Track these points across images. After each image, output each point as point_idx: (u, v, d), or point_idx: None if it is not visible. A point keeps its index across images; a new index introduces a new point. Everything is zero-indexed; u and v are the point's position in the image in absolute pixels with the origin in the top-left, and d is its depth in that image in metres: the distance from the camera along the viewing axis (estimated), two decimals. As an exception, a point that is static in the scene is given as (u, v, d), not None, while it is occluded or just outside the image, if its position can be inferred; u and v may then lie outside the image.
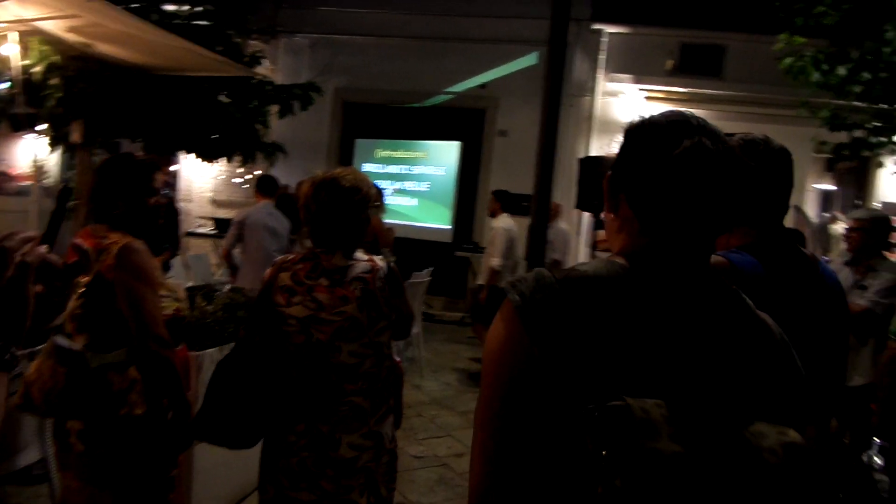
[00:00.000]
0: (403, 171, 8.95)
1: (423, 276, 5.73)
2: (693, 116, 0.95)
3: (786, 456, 0.79)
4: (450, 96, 8.94)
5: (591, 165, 7.73)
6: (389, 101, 9.05)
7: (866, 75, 4.31)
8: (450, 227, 8.58)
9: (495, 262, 5.60)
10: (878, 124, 4.73)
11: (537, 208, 3.66)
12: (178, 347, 2.04)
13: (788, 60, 4.95)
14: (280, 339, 1.96)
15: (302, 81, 6.91)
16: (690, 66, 8.76)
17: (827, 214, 9.57)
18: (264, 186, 5.14)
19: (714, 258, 1.32)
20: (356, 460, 1.93)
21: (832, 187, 10.14)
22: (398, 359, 2.14)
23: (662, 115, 0.96)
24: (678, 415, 0.77)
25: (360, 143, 9.10)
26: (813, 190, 9.23)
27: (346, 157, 9.11)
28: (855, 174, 9.74)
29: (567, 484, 0.84)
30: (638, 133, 0.94)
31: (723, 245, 1.45)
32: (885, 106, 4.73)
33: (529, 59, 8.79)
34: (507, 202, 6.00)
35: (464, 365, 6.12)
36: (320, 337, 1.91)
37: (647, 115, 0.98)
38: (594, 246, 8.23)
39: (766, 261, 1.36)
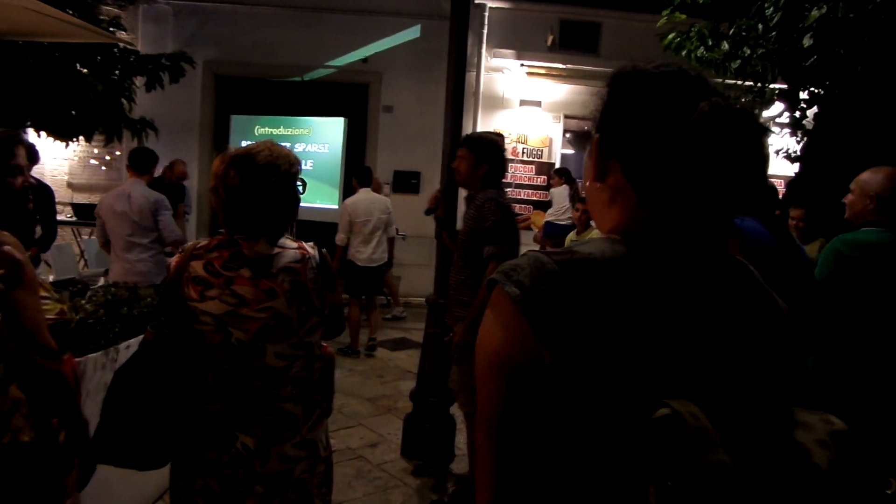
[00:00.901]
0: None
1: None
2: (687, 66, 0.83)
3: (837, 447, 0.73)
4: (331, 70, 8.57)
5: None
6: (266, 75, 8.53)
7: (747, 51, 4.51)
8: (337, 207, 8.27)
9: (338, 237, 5.99)
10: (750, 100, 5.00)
11: (445, 185, 3.51)
12: (66, 356, 1.71)
13: (671, 36, 5.10)
14: (192, 339, 1.69)
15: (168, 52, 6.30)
16: (569, 42, 8.94)
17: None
18: (137, 162, 4.39)
19: None
20: (289, 473, 1.71)
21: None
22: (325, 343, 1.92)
23: (653, 66, 0.83)
24: (721, 417, 0.67)
25: (237, 120, 8.51)
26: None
27: (221, 135, 8.50)
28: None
29: (593, 496, 0.72)
30: (634, 88, 0.81)
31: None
32: (758, 84, 4.99)
33: (412, 33, 8.60)
34: (363, 178, 6.21)
35: (364, 348, 5.92)
36: (241, 336, 1.66)
37: (632, 65, 0.85)
38: (484, 221, 8.25)
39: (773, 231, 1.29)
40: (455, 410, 3.86)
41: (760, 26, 4.58)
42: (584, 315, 0.72)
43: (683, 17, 5.11)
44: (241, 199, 1.70)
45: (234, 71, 8.64)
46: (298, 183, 1.82)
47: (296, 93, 8.66)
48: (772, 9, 4.09)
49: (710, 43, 4.70)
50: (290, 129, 8.52)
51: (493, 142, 3.18)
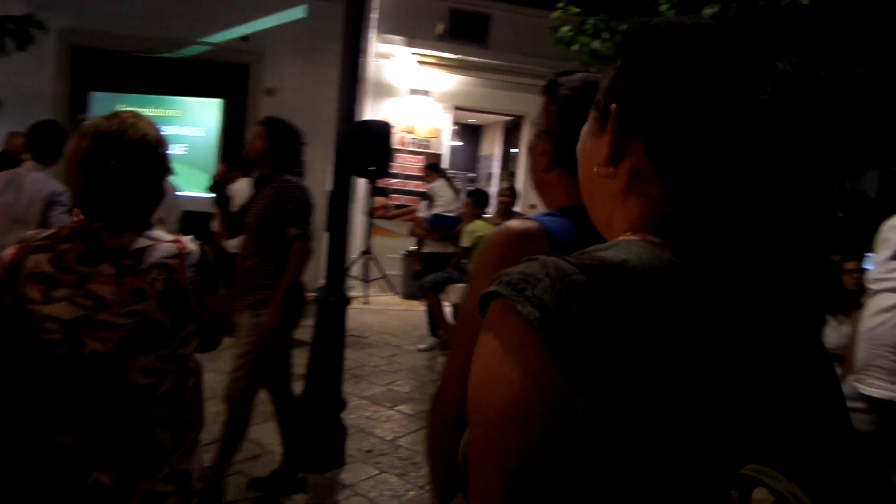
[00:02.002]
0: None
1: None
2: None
3: None
4: (207, 47, 7.93)
5: (366, 129, 7.45)
6: (133, 49, 7.75)
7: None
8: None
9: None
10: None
11: (339, 175, 3.25)
12: None
13: (565, 28, 5.09)
14: (32, 352, 1.35)
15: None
16: (459, 32, 8.85)
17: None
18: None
19: (524, 223, 1.08)
20: None
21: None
22: None
23: (683, 19, 0.64)
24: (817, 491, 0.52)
25: (97, 97, 7.69)
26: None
27: (77, 112, 7.64)
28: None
29: None
30: (668, 45, 0.62)
31: (545, 204, 1.21)
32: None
33: (297, 13, 8.14)
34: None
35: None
36: (97, 348, 1.35)
37: (657, 20, 0.66)
38: (371, 213, 8.01)
39: (584, 227, 1.10)
40: (348, 418, 3.62)
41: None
42: (629, 345, 0.52)
43: (577, 10, 5.12)
44: (104, 179, 1.39)
45: (95, 43, 7.78)
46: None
47: (167, 70, 7.93)
48: (667, 5, 4.15)
49: (606, 37, 4.72)
50: (159, 110, 7.81)
51: (294, 131, 3.14)
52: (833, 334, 2.74)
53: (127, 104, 7.68)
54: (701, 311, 0.57)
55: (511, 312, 0.54)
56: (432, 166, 7.31)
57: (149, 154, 1.43)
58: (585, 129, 0.73)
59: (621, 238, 0.63)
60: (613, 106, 0.65)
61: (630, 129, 0.64)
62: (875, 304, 1.85)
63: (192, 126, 7.82)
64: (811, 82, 0.58)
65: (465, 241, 5.34)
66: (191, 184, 7.44)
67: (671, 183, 0.61)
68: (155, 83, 7.85)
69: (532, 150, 1.23)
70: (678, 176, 0.61)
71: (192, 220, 7.02)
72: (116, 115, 1.46)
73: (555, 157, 1.17)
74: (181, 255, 1.45)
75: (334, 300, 3.33)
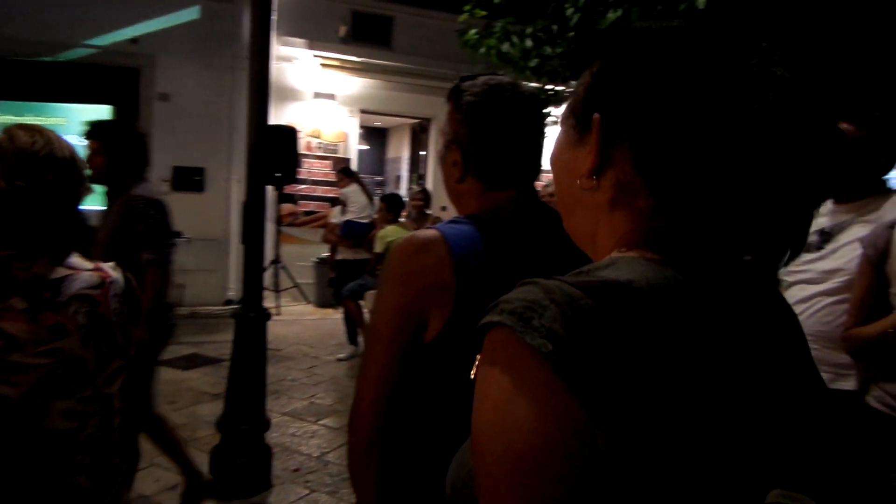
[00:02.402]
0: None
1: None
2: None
3: None
4: (92, 50, 7.42)
5: (271, 135, 7.21)
6: (10, 53, 7.12)
7: (548, 50, 4.65)
8: (105, 209, 7.21)
9: None
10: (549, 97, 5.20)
11: (252, 184, 3.10)
12: None
13: (472, 32, 5.12)
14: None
15: None
16: (362, 34, 8.75)
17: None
18: None
19: (424, 233, 1.08)
20: None
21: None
22: None
23: (664, 25, 0.62)
24: None
25: (-33, 105, 7.03)
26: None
27: (-55, 121, 6.95)
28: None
29: None
30: (652, 51, 0.60)
31: (459, 214, 1.21)
32: (553, 88, 5.21)
33: (190, 14, 7.77)
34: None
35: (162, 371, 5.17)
36: (8, 393, 1.20)
37: (638, 24, 0.64)
38: (279, 221, 7.77)
39: (491, 233, 1.08)
40: (271, 437, 3.47)
41: (555, 27, 4.76)
42: (648, 373, 0.49)
43: (484, 13, 5.17)
44: (29, 202, 1.25)
45: (-38, 44, 7.10)
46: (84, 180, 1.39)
47: (48, 75, 7.35)
48: (572, 9, 4.25)
49: (515, 40, 4.78)
50: (40, 118, 7.21)
51: (134, 133, 2.84)
52: None
53: (4, 112, 7.07)
54: (713, 330, 0.55)
55: (519, 345, 0.50)
56: (345, 170, 7.15)
57: (66, 174, 1.29)
58: (560, 138, 0.70)
59: (617, 255, 0.60)
60: (597, 116, 0.62)
61: (615, 139, 0.61)
62: (791, 295, 1.95)
63: (78, 135, 7.29)
64: (812, 91, 0.57)
65: (378, 247, 5.26)
66: (80, 196, 6.91)
67: (661, 195, 0.59)
68: (35, 89, 7.24)
69: (442, 161, 1.21)
70: (669, 187, 0.59)
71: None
72: (27, 128, 1.31)
73: (465, 167, 1.15)
74: (104, 284, 1.32)
75: (253, 315, 3.18)
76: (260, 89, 3.09)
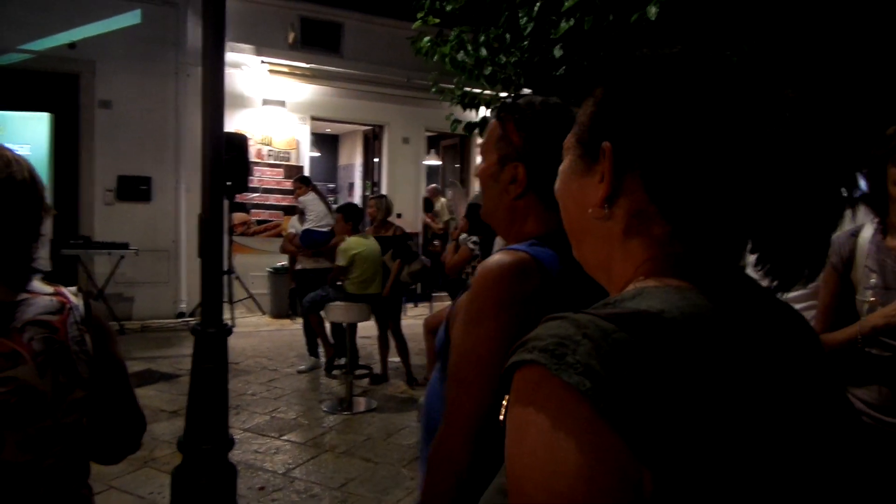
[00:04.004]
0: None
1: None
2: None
3: None
4: (28, 55, 7.10)
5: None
6: (-65, 58, 6.76)
7: (503, 58, 4.66)
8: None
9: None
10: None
11: (210, 197, 3.00)
12: None
13: (425, 39, 5.10)
14: None
15: None
16: (311, 41, 8.64)
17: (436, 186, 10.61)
18: None
19: (514, 255, 1.05)
20: None
21: (437, 162, 11.28)
22: None
23: (665, 52, 0.62)
24: None
25: None
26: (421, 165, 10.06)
27: None
28: (456, 150, 10.98)
29: None
30: (660, 78, 0.59)
31: (510, 234, 1.19)
32: (510, 94, 5.22)
33: (131, 18, 7.52)
34: None
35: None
36: (-41, 425, 1.12)
37: (640, 51, 0.63)
38: (231, 231, 7.58)
39: (564, 254, 1.03)
40: (234, 455, 3.35)
41: (508, 36, 4.78)
42: (691, 407, 0.47)
43: (437, 20, 5.15)
44: None
45: None
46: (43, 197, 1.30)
47: (-21, 81, 7.00)
48: (525, 18, 4.26)
49: (469, 48, 4.78)
50: (-28, 126, 6.88)
51: None
52: None
53: (-69, 121, 6.70)
54: (749, 358, 0.53)
55: (555, 383, 0.47)
56: (302, 178, 6.99)
57: (25, 196, 1.21)
58: (565, 167, 0.69)
59: (641, 285, 0.59)
60: (608, 144, 0.61)
61: (626, 167, 0.60)
62: None
63: (14, 143, 6.94)
64: (827, 112, 0.57)
65: (341, 260, 5.13)
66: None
67: (677, 221, 0.59)
68: (-35, 96, 6.89)
69: (493, 177, 1.17)
70: (684, 213, 0.58)
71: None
72: None
73: (529, 184, 1.13)
74: (63, 309, 1.24)
75: (213, 331, 3.07)
76: (214, 97, 3.00)
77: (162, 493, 3.15)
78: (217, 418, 3.09)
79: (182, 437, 3.08)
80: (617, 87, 0.62)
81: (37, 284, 1.25)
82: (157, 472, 3.45)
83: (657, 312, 0.51)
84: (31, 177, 1.24)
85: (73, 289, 1.34)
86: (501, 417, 0.53)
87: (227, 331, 3.16)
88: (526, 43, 4.54)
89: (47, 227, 1.30)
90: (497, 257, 1.04)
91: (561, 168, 0.70)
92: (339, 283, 5.25)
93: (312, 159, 9.49)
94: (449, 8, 5.07)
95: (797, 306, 1.84)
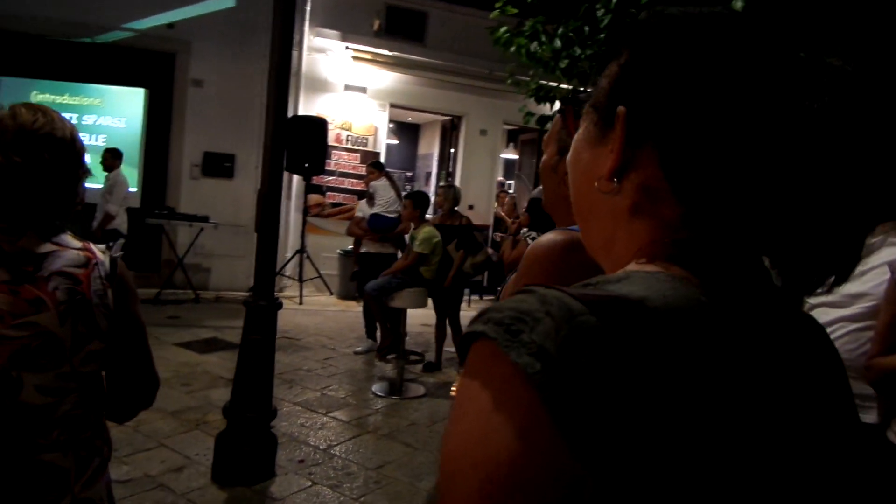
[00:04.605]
0: (71, 121, 7.23)
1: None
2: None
3: None
4: (130, 34, 7.52)
5: (301, 125, 7.23)
6: (49, 33, 7.26)
7: (577, 50, 4.55)
8: (136, 189, 7.31)
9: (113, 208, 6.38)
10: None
11: (270, 174, 3.08)
12: None
13: (502, 30, 5.04)
14: None
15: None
16: (396, 29, 8.72)
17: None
18: None
19: (565, 234, 1.01)
20: None
21: (514, 156, 11.19)
22: None
23: (704, 11, 0.54)
24: None
25: (8, 83, 7.17)
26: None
27: (-15, 98, 7.11)
28: (534, 145, 10.84)
29: None
30: (689, 39, 0.53)
31: (568, 224, 1.15)
32: (581, 88, 5.10)
33: (225, 2, 7.82)
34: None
35: (169, 353, 5.22)
36: (-16, 364, 1.18)
37: (666, 10, 0.56)
38: (306, 211, 7.79)
39: None
40: (279, 426, 3.45)
41: (587, 28, 4.65)
42: (654, 411, 0.42)
43: (516, 10, 5.08)
44: (5, 178, 1.25)
45: (7, 24, 7.25)
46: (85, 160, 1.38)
47: (85, 56, 7.48)
48: (603, 10, 4.14)
49: (543, 39, 4.69)
50: (76, 98, 7.39)
51: None
52: None
53: (40, 91, 7.22)
54: (738, 362, 0.47)
55: (502, 361, 0.43)
56: (376, 164, 7.10)
57: (63, 154, 1.29)
58: (580, 135, 0.62)
59: (634, 268, 0.53)
60: (622, 109, 0.54)
61: (641, 137, 0.53)
62: None
63: (112, 116, 7.41)
64: (877, 86, 0.50)
65: (425, 248, 5.14)
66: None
67: (690, 203, 0.52)
68: (72, 69, 7.39)
69: (551, 169, 1.15)
70: (700, 195, 0.51)
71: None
72: (30, 107, 1.32)
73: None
74: (89, 264, 1.30)
75: (264, 304, 3.16)
76: (280, 80, 3.07)
77: (207, 456, 3.28)
78: (262, 388, 3.19)
79: (228, 404, 3.21)
80: (642, 48, 0.55)
81: (67, 238, 1.32)
82: (205, 436, 3.60)
83: (637, 299, 0.45)
84: (72, 137, 1.32)
85: (102, 246, 1.40)
86: (451, 391, 0.50)
87: (278, 305, 3.25)
88: (603, 36, 4.41)
89: (82, 188, 1.37)
90: (548, 235, 1.03)
91: (575, 136, 0.64)
92: (413, 271, 5.23)
93: (391, 147, 9.62)
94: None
95: (853, 326, 1.72)
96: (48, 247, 1.27)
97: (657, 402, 0.42)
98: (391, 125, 9.45)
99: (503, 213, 9.67)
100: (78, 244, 1.33)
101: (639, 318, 0.44)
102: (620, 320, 0.43)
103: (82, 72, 7.43)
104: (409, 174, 12.87)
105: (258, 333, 3.13)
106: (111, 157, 6.44)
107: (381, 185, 6.64)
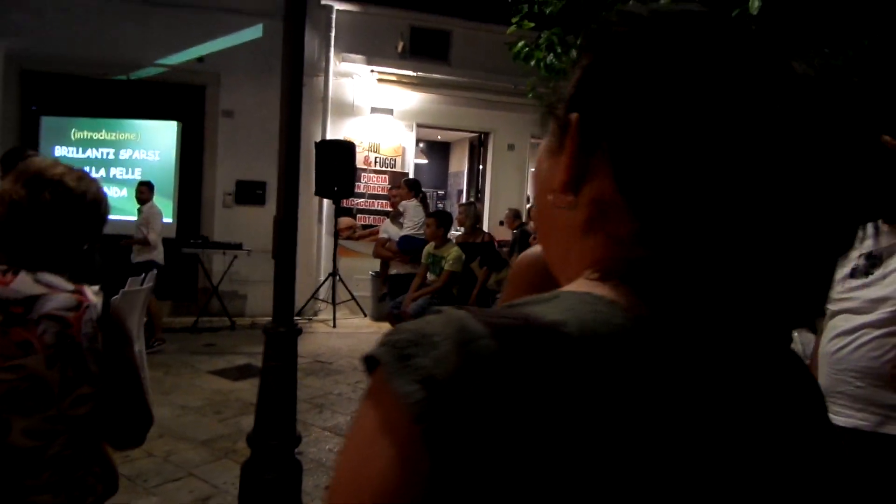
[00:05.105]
0: (108, 156, 7.53)
1: (141, 282, 4.75)
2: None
3: None
4: (162, 69, 7.75)
5: (329, 149, 7.33)
6: (84, 72, 7.53)
7: (596, 60, 4.50)
8: (171, 220, 7.48)
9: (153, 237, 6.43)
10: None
11: (285, 199, 3.10)
12: None
13: (521, 44, 5.02)
14: None
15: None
16: (420, 49, 8.78)
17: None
18: None
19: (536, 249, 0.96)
20: None
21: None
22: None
23: (677, 10, 0.49)
24: None
25: (48, 122, 7.45)
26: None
27: (29, 137, 7.37)
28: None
29: None
30: (648, 39, 0.47)
31: None
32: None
33: (253, 32, 8.00)
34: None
35: (203, 381, 5.28)
36: (-28, 407, 1.20)
37: (633, 7, 0.50)
38: (336, 234, 7.85)
39: None
40: (309, 451, 3.44)
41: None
42: (549, 455, 0.38)
43: (532, 24, 5.05)
44: (9, 215, 1.31)
45: (46, 66, 7.54)
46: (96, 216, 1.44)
47: (120, 93, 7.73)
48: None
49: (559, 51, 4.65)
50: (113, 134, 7.60)
51: None
52: (797, 346, 2.63)
53: (79, 128, 7.48)
54: (660, 393, 0.41)
55: (385, 387, 0.40)
56: (412, 183, 7.06)
57: (68, 201, 1.34)
58: (542, 145, 0.58)
59: (567, 289, 0.49)
60: (574, 115, 0.49)
61: (593, 146, 0.48)
62: (834, 325, 1.75)
63: (147, 149, 7.61)
64: (844, 91, 0.45)
65: (456, 266, 5.14)
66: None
67: (646, 219, 0.46)
68: (108, 106, 7.64)
69: None
70: (655, 210, 0.46)
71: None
72: (59, 163, 1.40)
73: None
74: (80, 307, 1.30)
75: (283, 330, 3.17)
76: (291, 103, 3.09)
77: (234, 485, 3.28)
78: (285, 415, 3.18)
79: (251, 433, 3.21)
80: (602, 51, 0.50)
81: (59, 281, 1.33)
82: (234, 464, 3.61)
83: (550, 324, 0.41)
84: (87, 192, 1.39)
85: (95, 288, 1.41)
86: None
87: (297, 331, 3.25)
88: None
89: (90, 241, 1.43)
90: (533, 248, 0.99)
91: (539, 146, 0.60)
92: (451, 293, 5.23)
93: (420, 166, 9.66)
94: (549, 10, 4.97)
95: (876, 332, 1.62)
96: (39, 289, 1.28)
97: (549, 439, 0.38)
98: (421, 145, 9.50)
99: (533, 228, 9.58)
100: (70, 287, 1.34)
101: (544, 345, 0.40)
102: (523, 347, 0.39)
103: (117, 108, 7.67)
104: (441, 192, 12.89)
105: (278, 360, 3.14)
106: (147, 190, 6.60)
107: (412, 206, 6.64)
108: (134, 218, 6.54)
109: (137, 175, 7.38)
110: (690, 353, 0.44)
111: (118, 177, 7.48)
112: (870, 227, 1.77)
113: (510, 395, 0.38)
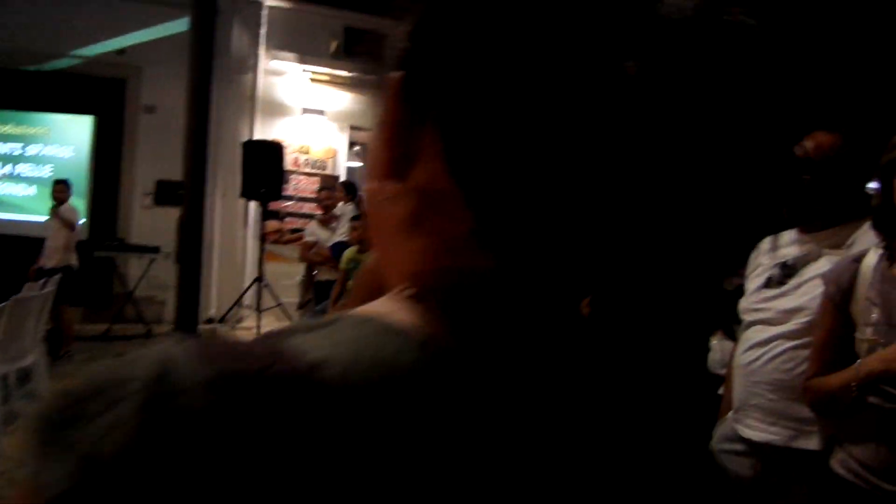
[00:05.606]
0: (14, 152, 7.05)
1: (41, 286, 4.41)
2: None
3: None
4: (78, 60, 7.32)
5: (257, 150, 7.05)
6: (-8, 62, 7.04)
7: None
8: (83, 220, 7.05)
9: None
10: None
11: (190, 198, 2.89)
12: None
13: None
14: None
15: None
16: (354, 50, 8.60)
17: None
18: None
19: None
20: None
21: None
22: None
23: None
24: None
25: (-52, 114, 6.93)
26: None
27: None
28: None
29: None
30: None
31: None
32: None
33: (179, 25, 7.63)
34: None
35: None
36: None
37: None
38: (263, 238, 7.57)
39: None
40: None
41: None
42: None
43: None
44: None
45: (-54, 54, 7.01)
46: None
47: (32, 84, 7.25)
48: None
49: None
50: (22, 128, 7.15)
51: None
52: (716, 354, 2.59)
53: (-16, 121, 6.97)
54: (442, 449, 0.29)
55: (32, 468, 0.26)
56: (349, 186, 6.82)
57: None
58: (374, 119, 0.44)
59: (359, 310, 0.35)
60: (396, 74, 0.36)
61: (423, 116, 0.35)
62: (748, 337, 1.69)
63: (59, 145, 7.17)
64: (726, 37, 0.31)
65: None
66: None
67: (481, 211, 0.33)
68: (16, 98, 7.15)
69: None
70: (493, 198, 0.33)
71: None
72: None
73: None
74: None
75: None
76: (199, 96, 2.89)
77: None
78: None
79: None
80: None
81: None
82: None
83: (305, 368, 0.29)
84: None
85: None
86: None
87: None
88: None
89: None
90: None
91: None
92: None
93: (354, 169, 9.45)
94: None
95: (789, 343, 1.56)
96: None
97: None
98: (357, 147, 9.30)
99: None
100: None
101: (281, 403, 0.27)
102: (244, 408, 0.27)
103: (28, 100, 7.20)
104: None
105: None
106: (65, 189, 6.15)
107: (349, 210, 6.43)
108: (41, 218, 6.12)
109: (47, 172, 6.94)
110: (497, 405, 0.31)
111: (24, 174, 7.02)
112: (788, 235, 1.72)
113: (208, 481, 0.25)
